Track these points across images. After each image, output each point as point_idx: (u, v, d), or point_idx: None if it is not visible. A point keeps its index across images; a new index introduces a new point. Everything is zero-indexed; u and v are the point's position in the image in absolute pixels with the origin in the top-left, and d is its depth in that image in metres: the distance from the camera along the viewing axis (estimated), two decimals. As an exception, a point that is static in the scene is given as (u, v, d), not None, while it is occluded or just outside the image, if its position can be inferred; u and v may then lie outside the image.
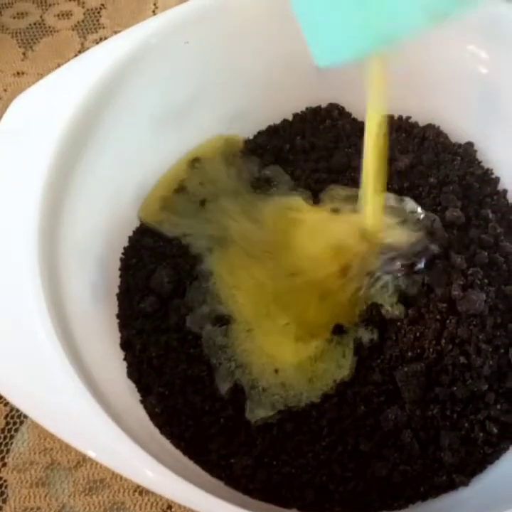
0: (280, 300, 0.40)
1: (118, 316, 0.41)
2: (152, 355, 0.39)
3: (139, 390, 0.38)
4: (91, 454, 0.30)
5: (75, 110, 0.38)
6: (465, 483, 0.35)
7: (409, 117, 0.48)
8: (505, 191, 0.45)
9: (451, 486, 0.35)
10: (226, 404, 0.37)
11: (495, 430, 0.36)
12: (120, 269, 0.42)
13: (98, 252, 0.41)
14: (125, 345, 0.39)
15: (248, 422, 0.37)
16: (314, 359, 0.38)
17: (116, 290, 0.42)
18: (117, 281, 0.42)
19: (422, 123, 0.48)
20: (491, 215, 0.43)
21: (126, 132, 0.41)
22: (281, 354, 0.39)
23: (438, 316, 0.38)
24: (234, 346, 0.39)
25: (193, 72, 0.44)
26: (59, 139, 0.37)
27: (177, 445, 0.36)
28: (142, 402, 0.37)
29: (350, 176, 0.45)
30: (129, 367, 0.39)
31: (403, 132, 0.47)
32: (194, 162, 0.46)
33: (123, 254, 0.43)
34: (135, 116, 0.41)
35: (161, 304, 0.40)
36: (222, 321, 0.40)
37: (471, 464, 0.36)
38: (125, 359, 0.39)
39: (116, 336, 0.40)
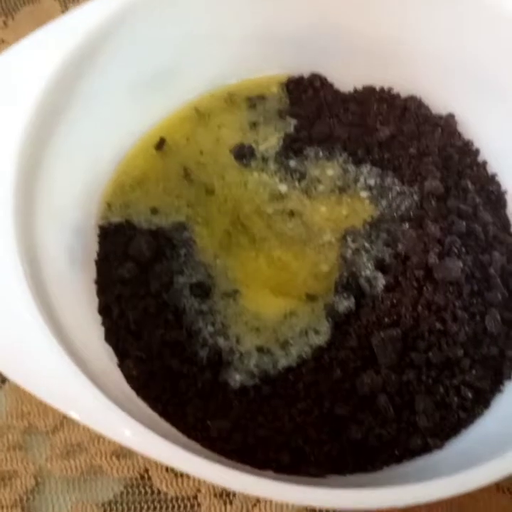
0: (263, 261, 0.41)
1: (96, 281, 0.40)
2: (130, 320, 0.38)
3: (117, 354, 0.38)
4: (73, 414, 0.30)
5: (53, 73, 0.38)
6: (439, 447, 0.35)
7: (391, 88, 0.48)
8: (484, 163, 0.45)
9: (425, 449, 0.35)
10: (204, 368, 0.37)
11: (469, 395, 0.36)
12: (99, 236, 0.42)
13: (76, 217, 0.41)
14: (103, 310, 0.39)
15: (225, 385, 0.37)
16: (292, 314, 0.39)
17: (95, 256, 0.41)
18: (96, 247, 0.42)
19: (403, 94, 0.48)
20: (470, 186, 0.43)
21: (105, 97, 0.41)
22: (262, 309, 0.39)
23: (415, 283, 0.38)
24: (214, 311, 0.39)
25: (174, 38, 0.43)
26: (37, 102, 0.37)
27: (154, 407, 0.36)
28: (120, 365, 0.37)
29: (330, 146, 0.45)
30: (106, 331, 0.39)
31: (384, 103, 0.47)
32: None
33: (101, 219, 0.42)
34: (116, 80, 0.41)
35: (140, 271, 0.40)
36: (203, 287, 0.40)
37: (446, 428, 0.36)
38: (103, 324, 0.39)
39: (94, 301, 0.40)
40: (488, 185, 0.44)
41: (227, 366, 0.37)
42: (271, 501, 0.38)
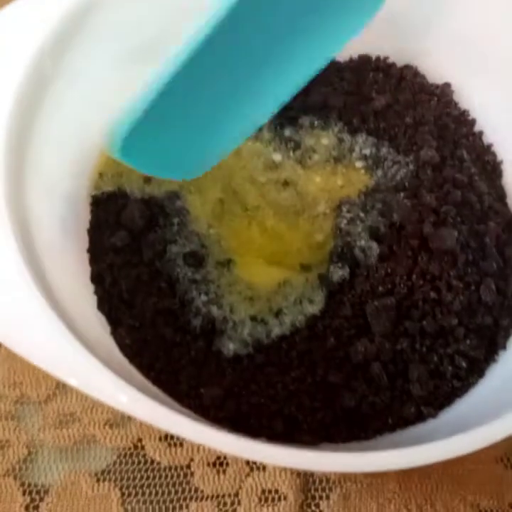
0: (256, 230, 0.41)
1: (88, 250, 0.40)
2: (122, 288, 0.38)
3: (110, 323, 0.37)
4: (71, 381, 0.30)
5: (40, 42, 0.37)
6: (433, 415, 0.35)
7: (386, 58, 0.47)
8: (480, 133, 0.45)
9: (419, 417, 0.35)
10: (197, 337, 0.37)
11: (464, 364, 0.36)
12: (91, 204, 0.41)
13: (67, 187, 0.40)
14: (95, 279, 0.39)
15: (218, 354, 0.37)
16: (286, 284, 0.39)
17: (87, 225, 0.41)
18: (88, 216, 0.41)
19: (399, 64, 0.47)
20: (465, 156, 0.43)
21: (95, 65, 0.40)
22: (256, 278, 0.39)
23: (409, 253, 0.38)
24: (207, 280, 0.39)
25: (162, 8, 0.42)
26: (24, 71, 0.36)
27: (147, 375, 0.35)
28: (112, 334, 0.37)
29: (325, 115, 0.45)
30: (99, 300, 0.38)
31: (380, 72, 0.47)
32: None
33: (94, 188, 0.42)
34: (105, 49, 0.40)
35: (133, 239, 0.40)
36: (196, 256, 0.40)
37: (440, 397, 0.36)
38: (95, 293, 0.39)
39: (86, 270, 0.39)
40: (484, 155, 0.44)
41: (220, 335, 0.37)
42: (264, 470, 0.38)
